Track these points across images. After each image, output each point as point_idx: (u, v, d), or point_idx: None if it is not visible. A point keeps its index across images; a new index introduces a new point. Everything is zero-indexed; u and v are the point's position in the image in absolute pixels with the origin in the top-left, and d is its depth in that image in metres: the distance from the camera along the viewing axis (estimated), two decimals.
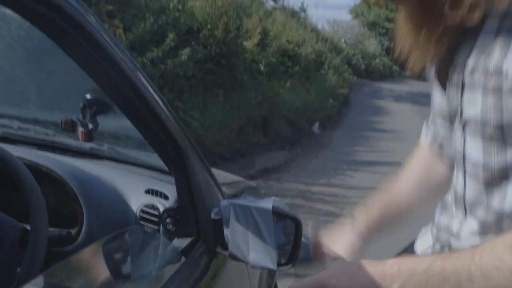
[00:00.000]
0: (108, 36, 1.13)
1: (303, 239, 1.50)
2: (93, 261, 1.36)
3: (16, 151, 1.61)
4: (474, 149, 1.11)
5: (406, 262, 1.07)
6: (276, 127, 11.27)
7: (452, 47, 1.10)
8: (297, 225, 1.47)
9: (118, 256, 1.37)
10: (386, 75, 33.67)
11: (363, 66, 30.19)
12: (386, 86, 26.40)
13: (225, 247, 1.51)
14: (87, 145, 2.00)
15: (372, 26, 41.59)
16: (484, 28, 1.03)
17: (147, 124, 1.35)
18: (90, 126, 1.55)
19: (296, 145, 11.08)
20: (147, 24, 7.21)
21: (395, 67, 36.93)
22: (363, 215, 1.56)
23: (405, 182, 1.56)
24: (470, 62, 1.05)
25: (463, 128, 1.13)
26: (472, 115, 1.08)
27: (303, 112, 12.70)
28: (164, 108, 1.36)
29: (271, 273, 2.49)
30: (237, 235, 1.47)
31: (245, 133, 9.73)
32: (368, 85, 25.52)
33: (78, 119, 1.56)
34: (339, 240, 1.54)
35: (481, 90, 1.03)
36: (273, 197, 1.49)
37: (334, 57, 20.38)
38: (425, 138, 1.51)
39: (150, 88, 1.29)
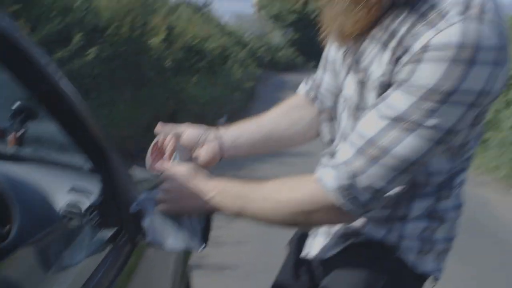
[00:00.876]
0: (28, 40, 1.29)
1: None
2: (24, 262, 1.53)
3: None
4: (345, 115, 1.53)
5: (222, 182, 1.54)
6: (184, 122, 11.37)
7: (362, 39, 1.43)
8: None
9: (47, 252, 1.55)
10: (290, 66, 34.23)
11: (267, 58, 30.65)
12: (290, 77, 26.88)
13: (143, 235, 1.71)
14: (11, 149, 2.13)
15: (276, 18, 42.12)
16: (375, 35, 1.38)
17: (72, 126, 1.52)
18: (19, 132, 1.71)
19: None
20: (53, 24, 7.19)
21: (299, 59, 37.61)
22: (228, 129, 1.83)
23: (272, 111, 1.86)
24: (358, 53, 1.43)
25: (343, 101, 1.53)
26: (347, 95, 1.49)
27: (210, 106, 12.88)
28: (86, 110, 1.54)
29: (186, 256, 2.71)
30: (155, 224, 1.67)
31: (153, 129, 9.78)
32: (273, 77, 25.87)
33: (8, 126, 1.71)
34: (201, 146, 1.80)
35: (355, 79, 1.44)
36: None
37: (239, 51, 20.64)
38: (302, 89, 1.83)
39: (71, 91, 1.47)
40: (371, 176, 1.30)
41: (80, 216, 1.85)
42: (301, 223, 1.49)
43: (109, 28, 8.78)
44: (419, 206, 1.51)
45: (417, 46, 1.25)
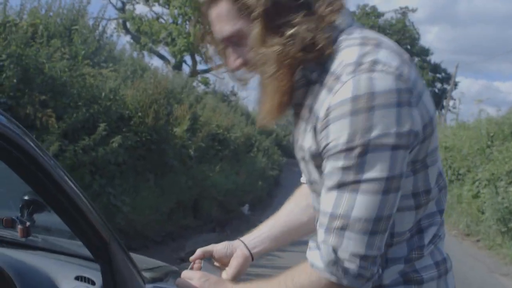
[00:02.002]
0: (38, 147, 1.43)
1: None
2: None
3: None
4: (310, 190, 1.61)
5: (240, 284, 1.60)
6: (207, 209, 11.49)
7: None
8: None
9: None
10: None
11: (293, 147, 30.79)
12: None
13: None
14: (22, 238, 2.24)
15: None
16: (302, 115, 1.50)
17: (73, 220, 1.64)
18: (28, 223, 1.82)
19: (226, 227, 11.28)
20: (79, 113, 7.42)
21: None
22: (249, 234, 1.93)
23: (286, 204, 1.96)
24: (295, 134, 1.54)
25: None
26: (303, 172, 1.60)
27: (233, 194, 12.99)
28: (90, 207, 1.65)
29: None
30: None
31: (176, 216, 9.92)
32: (298, 165, 25.92)
33: (17, 218, 1.82)
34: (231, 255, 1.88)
35: (300, 157, 1.55)
36: None
37: (264, 140, 20.88)
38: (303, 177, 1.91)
39: (76, 189, 1.59)
40: (348, 246, 1.34)
41: None
42: None
43: (134, 117, 9.04)
44: (390, 273, 1.50)
45: (322, 112, 1.37)
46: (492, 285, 9.04)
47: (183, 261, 7.55)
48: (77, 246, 2.23)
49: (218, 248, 1.89)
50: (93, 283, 2.01)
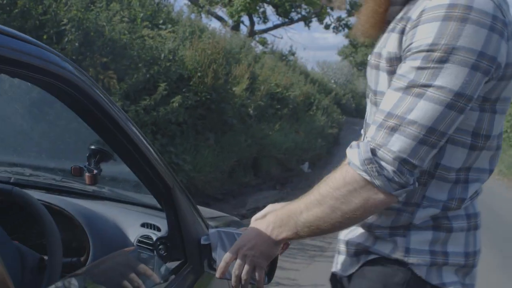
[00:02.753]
0: (105, 96, 1.50)
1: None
2: (99, 276, 1.70)
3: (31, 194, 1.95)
4: (368, 104, 1.65)
5: (276, 212, 1.61)
6: (266, 167, 11.60)
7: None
8: None
9: (120, 272, 1.71)
10: None
11: (353, 105, 30.68)
12: None
13: (212, 268, 1.84)
14: (91, 188, 2.34)
15: (361, 65, 42.25)
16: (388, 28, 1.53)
17: (141, 168, 1.71)
18: (95, 171, 1.90)
19: (287, 185, 11.39)
20: (140, 74, 7.56)
21: None
22: None
23: None
24: (376, 44, 1.57)
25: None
26: (368, 84, 1.61)
27: (293, 152, 13.05)
28: (154, 154, 1.72)
29: None
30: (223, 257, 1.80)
31: (236, 174, 10.07)
32: (359, 123, 25.90)
33: (85, 166, 1.90)
34: None
35: (371, 66, 1.57)
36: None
37: (323, 98, 20.82)
38: None
39: (141, 137, 1.66)
40: (392, 147, 1.34)
41: (149, 249, 2.01)
42: (347, 213, 1.45)
43: (193, 77, 9.15)
44: (423, 214, 1.50)
45: (415, 14, 1.39)
46: None
47: (245, 217, 7.69)
48: (143, 196, 2.33)
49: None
50: (159, 230, 2.09)
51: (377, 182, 1.37)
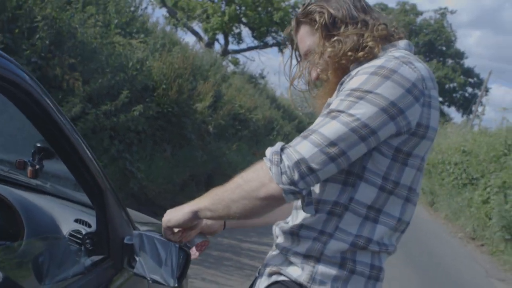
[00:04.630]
0: (54, 104, 1.71)
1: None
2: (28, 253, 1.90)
3: None
4: None
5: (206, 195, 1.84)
6: (220, 185, 11.71)
7: None
8: (187, 255, 2.04)
9: (45, 256, 1.92)
10: None
11: None
12: None
13: (131, 265, 2.05)
14: (34, 182, 2.53)
15: None
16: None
17: (78, 171, 1.92)
18: (37, 166, 2.11)
19: None
20: (105, 79, 7.67)
21: None
22: None
23: None
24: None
25: None
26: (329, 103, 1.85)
27: None
28: (93, 160, 1.94)
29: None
30: (143, 257, 2.02)
31: (188, 188, 10.19)
32: None
33: (29, 161, 2.11)
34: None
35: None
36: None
37: (286, 125, 21.08)
38: None
39: (82, 144, 1.88)
40: (297, 147, 1.59)
41: (78, 242, 2.21)
42: (248, 192, 1.68)
43: (158, 89, 9.35)
44: (335, 247, 1.72)
45: (355, 72, 1.73)
46: None
47: None
48: (80, 195, 2.52)
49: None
50: (89, 226, 2.30)
51: (273, 169, 1.61)
